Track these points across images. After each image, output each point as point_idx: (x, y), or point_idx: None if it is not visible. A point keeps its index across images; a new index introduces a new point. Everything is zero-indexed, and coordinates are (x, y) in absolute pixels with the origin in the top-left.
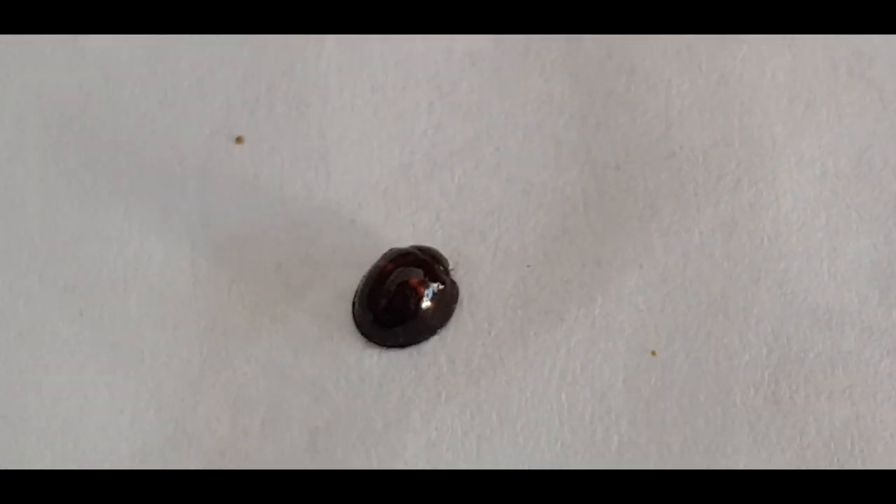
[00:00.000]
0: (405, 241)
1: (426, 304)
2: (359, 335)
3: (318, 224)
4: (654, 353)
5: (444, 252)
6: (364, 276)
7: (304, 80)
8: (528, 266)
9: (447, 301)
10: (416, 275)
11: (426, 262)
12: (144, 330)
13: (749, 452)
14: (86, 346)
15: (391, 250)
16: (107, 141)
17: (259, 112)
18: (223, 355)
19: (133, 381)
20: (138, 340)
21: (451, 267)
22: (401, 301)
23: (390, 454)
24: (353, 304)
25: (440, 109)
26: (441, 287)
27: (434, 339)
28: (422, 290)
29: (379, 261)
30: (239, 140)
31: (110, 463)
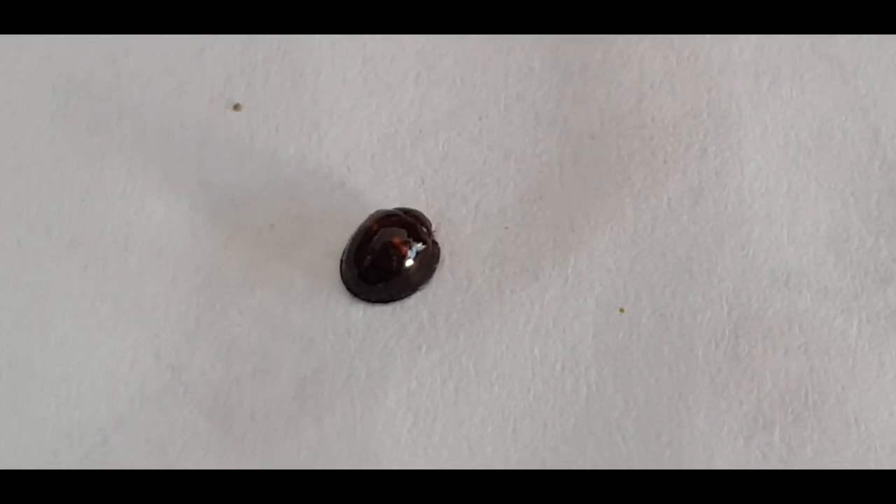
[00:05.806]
0: (391, 204)
1: (409, 262)
2: (345, 291)
3: (309, 186)
4: (622, 310)
5: (428, 214)
6: (351, 236)
7: (299, 51)
8: (506, 228)
9: (429, 260)
10: (399, 235)
11: (410, 223)
12: (144, 283)
13: (709, 403)
14: (89, 298)
15: (377, 211)
16: (112, 106)
17: (256, 81)
18: (218, 308)
19: (133, 330)
20: (139, 293)
21: (433, 228)
22: (385, 259)
23: (373, 402)
24: (341, 261)
25: (426, 81)
26: (423, 247)
27: (416, 296)
28: (405, 249)
29: (365, 221)
30: (236, 107)
31: (110, 406)
